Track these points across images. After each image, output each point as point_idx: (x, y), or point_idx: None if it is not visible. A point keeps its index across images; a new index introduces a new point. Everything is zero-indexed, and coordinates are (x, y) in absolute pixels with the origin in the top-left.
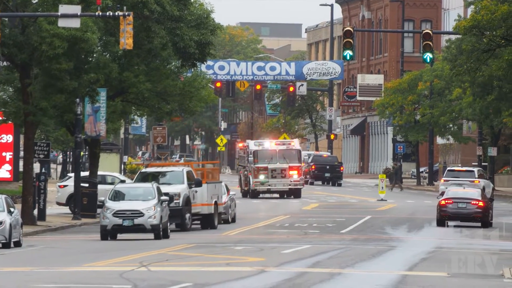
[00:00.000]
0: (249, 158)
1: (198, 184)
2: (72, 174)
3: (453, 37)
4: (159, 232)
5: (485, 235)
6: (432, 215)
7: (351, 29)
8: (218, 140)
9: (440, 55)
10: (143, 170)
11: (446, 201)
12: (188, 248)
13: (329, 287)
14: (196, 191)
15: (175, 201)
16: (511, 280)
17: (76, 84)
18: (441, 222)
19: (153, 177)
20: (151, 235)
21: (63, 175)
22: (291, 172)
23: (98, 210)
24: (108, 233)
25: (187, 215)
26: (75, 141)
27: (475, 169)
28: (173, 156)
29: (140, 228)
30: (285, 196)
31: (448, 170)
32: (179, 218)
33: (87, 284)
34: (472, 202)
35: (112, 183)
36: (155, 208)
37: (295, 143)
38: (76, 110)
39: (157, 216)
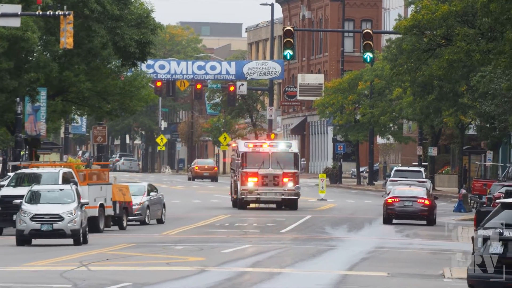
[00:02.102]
0: (236, 162)
1: (76, 185)
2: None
3: (393, 36)
4: (79, 238)
5: (426, 234)
6: (373, 215)
7: (291, 29)
8: (158, 140)
9: (381, 55)
10: (19, 171)
11: (393, 200)
12: (128, 248)
13: (270, 286)
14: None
15: None
16: (451, 280)
17: (16, 83)
18: (387, 220)
19: (29, 178)
20: (71, 241)
21: (3, 175)
22: (285, 180)
23: None
24: (25, 239)
25: None
26: (15, 141)
27: (422, 169)
28: (113, 156)
29: (59, 233)
30: (283, 207)
31: (396, 170)
32: None
33: (27, 284)
34: (418, 201)
35: None
36: (76, 212)
37: (293, 146)
38: (16, 110)
39: (78, 220)
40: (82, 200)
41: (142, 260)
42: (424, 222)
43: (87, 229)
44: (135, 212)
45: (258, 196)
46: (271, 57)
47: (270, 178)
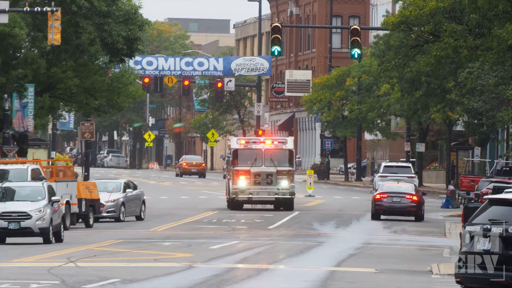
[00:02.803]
0: (227, 159)
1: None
2: None
3: (381, 32)
4: (49, 236)
5: (414, 230)
6: (360, 211)
7: (279, 25)
8: (146, 136)
9: (368, 51)
10: None
11: (381, 195)
12: (116, 244)
13: (257, 283)
14: None
15: None
16: (439, 276)
17: (4, 79)
18: (376, 216)
19: (4, 175)
20: (40, 239)
21: None
22: (279, 178)
23: None
24: None
25: None
26: (3, 137)
27: (411, 165)
28: (101, 152)
29: (27, 232)
30: (281, 208)
31: (385, 166)
32: None
33: (15, 280)
34: (407, 197)
35: None
36: (44, 210)
37: (288, 142)
38: (4, 106)
39: (47, 218)
40: (53, 198)
41: (130, 257)
42: (412, 218)
43: (61, 227)
44: (109, 209)
45: (250, 196)
46: (259, 53)
47: (263, 176)
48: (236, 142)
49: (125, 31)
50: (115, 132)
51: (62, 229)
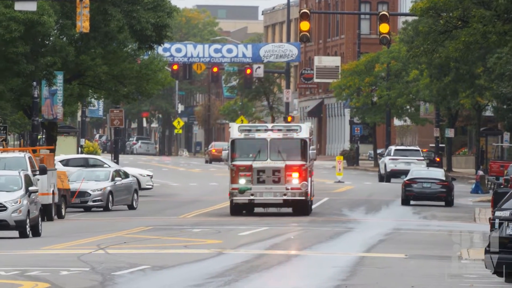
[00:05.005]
0: (224, 151)
1: (43, 171)
2: None
3: (410, 18)
4: (25, 229)
5: (443, 216)
6: (390, 197)
7: (307, 11)
8: (175, 123)
9: (397, 37)
10: None
11: (411, 181)
12: (146, 231)
13: (287, 269)
14: (38, 179)
15: None
16: (469, 261)
17: (33, 67)
18: (406, 201)
19: None
20: (16, 233)
21: None
22: (288, 175)
23: None
24: None
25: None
26: (32, 124)
27: (420, 149)
28: (130, 139)
29: (2, 225)
30: (292, 211)
31: (395, 150)
32: None
33: (44, 267)
34: (437, 182)
35: (94, 165)
36: (21, 201)
37: (303, 130)
38: (33, 93)
39: (23, 210)
40: (31, 188)
41: (160, 243)
42: (442, 203)
43: (39, 219)
44: (95, 199)
45: (252, 197)
46: (288, 40)
47: (268, 173)
48: (236, 130)
49: (154, 18)
50: (144, 119)
51: (40, 222)
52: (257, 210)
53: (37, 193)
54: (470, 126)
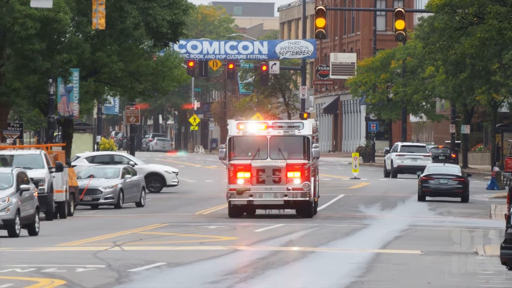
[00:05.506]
0: (221, 150)
1: (59, 168)
2: None
3: (425, 15)
4: (14, 228)
5: (459, 212)
6: (406, 193)
7: (323, 8)
8: (191, 120)
9: (413, 33)
10: None
11: (428, 177)
12: (162, 228)
13: (302, 265)
14: (53, 177)
15: (40, 187)
16: (484, 257)
17: (48, 64)
18: (422, 198)
19: (7, 161)
20: (5, 232)
21: None
22: (289, 174)
23: None
24: None
25: (53, 204)
26: (48, 122)
27: (426, 145)
28: (146, 136)
29: None
30: (296, 213)
31: (402, 146)
32: (45, 206)
33: (60, 264)
34: (454, 178)
35: (119, 162)
36: (10, 200)
37: (305, 126)
38: (49, 91)
39: (12, 208)
40: (22, 186)
41: (175, 240)
42: (458, 199)
43: (36, 218)
44: (107, 196)
45: (251, 198)
46: (303, 37)
47: (268, 172)
48: (234, 127)
49: (170, 15)
50: (160, 116)
51: (37, 221)
52: (259, 212)
53: (33, 191)
54: (486, 122)
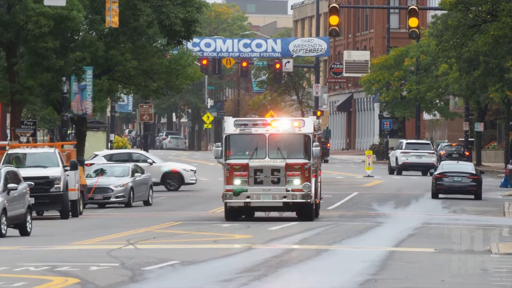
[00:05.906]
0: (216, 149)
1: (74, 166)
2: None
3: (439, 12)
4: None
5: (473, 210)
6: (419, 191)
7: (337, 6)
8: (204, 118)
9: (426, 31)
10: (10, 151)
11: (442, 175)
12: (175, 226)
13: (316, 263)
14: (68, 175)
15: (55, 185)
16: (498, 255)
17: (62, 62)
18: (436, 195)
19: (21, 159)
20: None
21: None
22: (289, 175)
23: None
24: None
25: (68, 202)
26: (62, 120)
27: (430, 142)
28: (159, 134)
29: None
30: (298, 216)
31: (407, 143)
32: (61, 204)
33: (74, 263)
34: (467, 176)
35: (137, 161)
36: None
37: (306, 124)
38: (62, 89)
39: None
40: (9, 185)
41: (189, 238)
42: (472, 196)
43: (27, 218)
44: (118, 194)
45: (248, 200)
46: (317, 34)
47: (267, 172)
48: (231, 125)
49: (183, 13)
50: (173, 114)
51: (29, 220)
52: (257, 214)
53: (24, 190)
54: (499, 120)
